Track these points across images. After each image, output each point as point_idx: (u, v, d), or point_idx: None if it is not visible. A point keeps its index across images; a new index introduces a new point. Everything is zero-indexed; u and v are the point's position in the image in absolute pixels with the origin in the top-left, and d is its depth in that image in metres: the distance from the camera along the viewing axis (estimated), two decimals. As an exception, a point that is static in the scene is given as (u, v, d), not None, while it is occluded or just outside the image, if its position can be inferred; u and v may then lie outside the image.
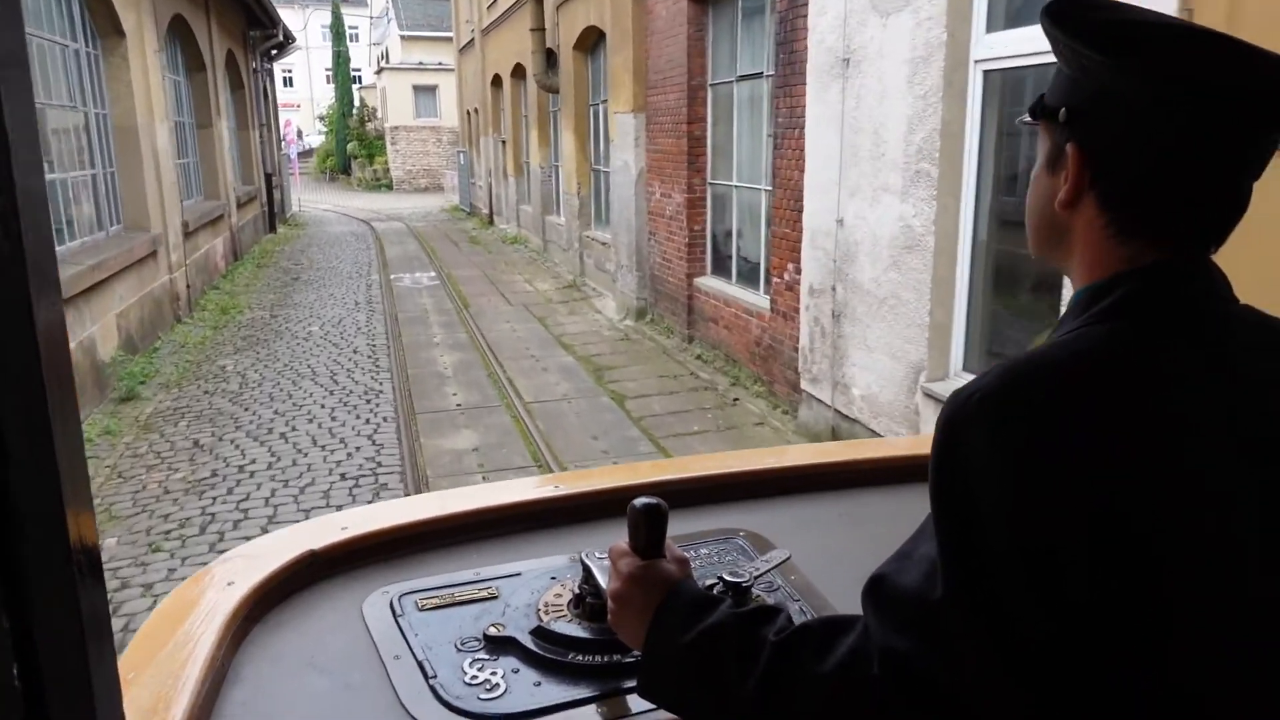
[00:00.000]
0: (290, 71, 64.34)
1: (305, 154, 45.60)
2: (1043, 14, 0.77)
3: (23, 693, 0.45)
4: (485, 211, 22.23)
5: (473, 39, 21.74)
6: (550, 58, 13.85)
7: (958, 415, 0.70)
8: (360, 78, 42.04)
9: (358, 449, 6.23)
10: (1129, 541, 0.66)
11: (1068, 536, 0.65)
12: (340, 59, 35.80)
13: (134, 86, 9.66)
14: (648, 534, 0.94)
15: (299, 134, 26.57)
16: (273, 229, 20.42)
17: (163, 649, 1.05)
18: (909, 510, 0.96)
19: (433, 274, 14.20)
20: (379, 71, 35.24)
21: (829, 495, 1.51)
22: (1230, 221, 0.76)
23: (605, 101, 12.04)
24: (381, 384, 7.94)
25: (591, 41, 12.32)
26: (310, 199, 30.51)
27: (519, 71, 17.44)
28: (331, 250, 17.54)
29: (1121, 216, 0.76)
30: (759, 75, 7.52)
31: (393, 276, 13.90)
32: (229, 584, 1.18)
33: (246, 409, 7.21)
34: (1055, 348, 0.73)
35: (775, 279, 6.95)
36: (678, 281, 9.08)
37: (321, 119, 38.65)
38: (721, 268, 8.68)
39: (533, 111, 15.91)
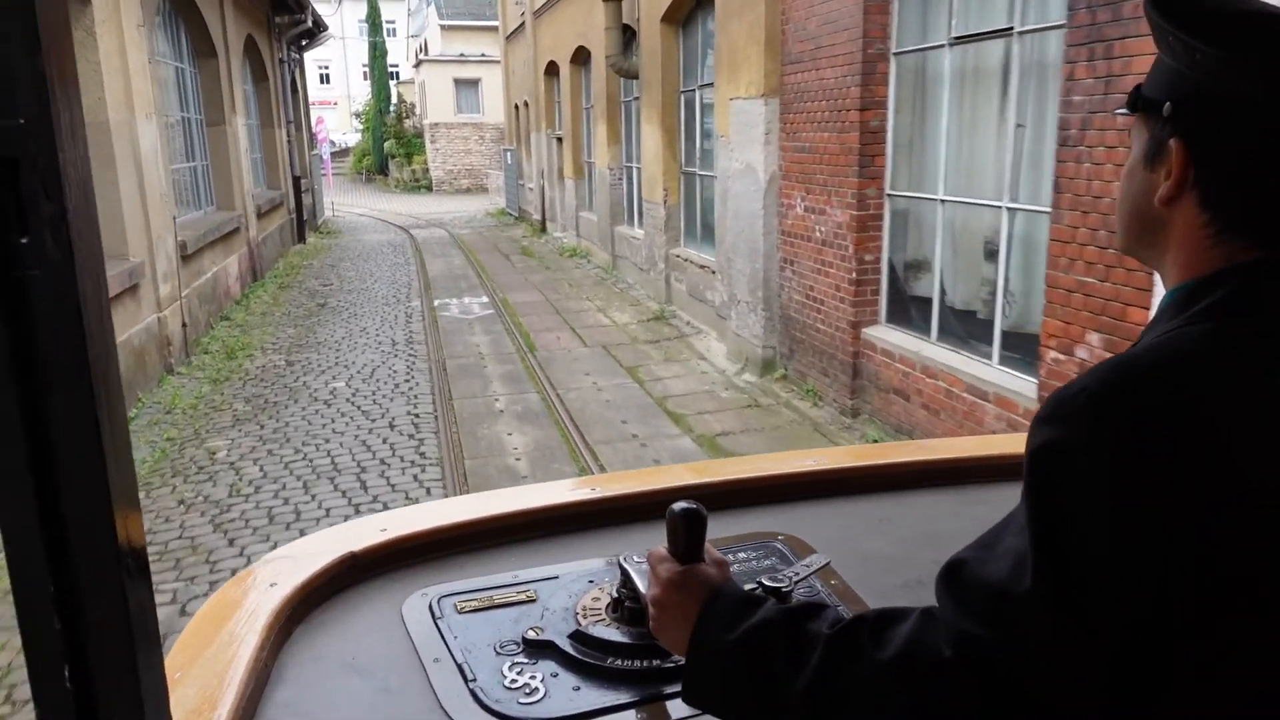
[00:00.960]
0: (327, 67, 62.81)
1: (340, 153, 43.69)
2: (1148, 3, 0.73)
3: (73, 693, 0.47)
4: (537, 217, 19.84)
5: (523, 23, 19.35)
6: (627, 35, 11.37)
7: (1061, 411, 0.68)
8: (398, 73, 39.95)
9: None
10: (1234, 555, 0.64)
11: (1172, 546, 0.63)
12: (376, 51, 33.65)
13: (104, 71, 7.35)
14: (687, 539, 0.93)
15: (327, 136, 24.26)
16: (301, 239, 18.24)
17: (208, 648, 1.06)
18: (949, 514, 1.22)
19: (484, 299, 11.81)
20: (417, 65, 33.02)
21: (867, 499, 1.48)
22: None
23: (705, 86, 9.52)
24: (428, 486, 5.53)
25: (686, 10, 9.81)
26: (345, 202, 28.40)
27: (581, 56, 14.99)
28: (366, 266, 15.24)
29: (1224, 215, 0.73)
30: (1005, 32, 4.96)
31: (437, 303, 11.53)
32: (271, 585, 1.18)
33: (232, 540, 4.84)
34: (1158, 348, 0.70)
35: (1052, 353, 4.39)
36: (833, 330, 6.55)
37: (357, 116, 36.59)
38: (906, 316, 6.14)
39: (599, 103, 13.44)
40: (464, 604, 1.19)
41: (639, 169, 12.22)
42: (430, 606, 1.19)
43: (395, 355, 8.89)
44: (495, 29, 32.19)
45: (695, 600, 0.87)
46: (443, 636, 1.13)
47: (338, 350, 9.11)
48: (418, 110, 34.26)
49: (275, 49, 17.38)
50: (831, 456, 1.62)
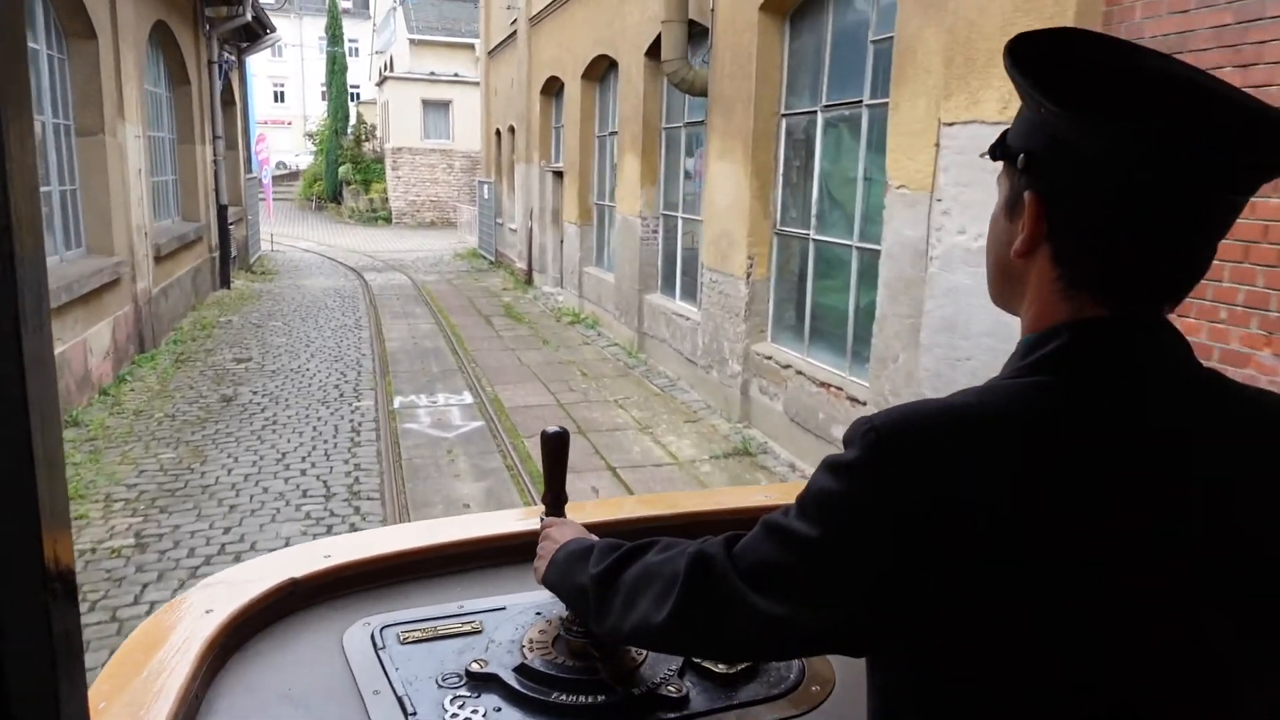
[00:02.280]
0: (282, 85, 59.05)
1: (289, 177, 39.76)
2: (1006, 51, 0.73)
3: None
4: (520, 265, 16.33)
5: (513, 34, 16.01)
6: (693, 35, 8.04)
7: (851, 434, 0.73)
8: (358, 94, 36.33)
9: None
10: (947, 591, 0.68)
11: (886, 562, 0.70)
12: (335, 65, 30.05)
13: None
14: (550, 463, 1.16)
15: (270, 156, 20.51)
16: (225, 283, 14.50)
17: (136, 677, 1.03)
18: None
19: (465, 398, 8.24)
20: (381, 82, 29.49)
21: None
22: (1187, 282, 0.74)
23: (835, 106, 6.18)
24: None
25: (803, -6, 6.51)
26: (288, 234, 24.59)
27: (599, 69, 11.66)
28: (301, 328, 11.55)
29: (1073, 271, 0.74)
30: None
31: (398, 403, 7.95)
32: (207, 611, 1.15)
33: None
34: (975, 394, 0.73)
35: None
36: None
37: (311, 137, 32.84)
38: None
39: (629, 128, 10.06)
40: (407, 634, 1.18)
41: (694, 222, 8.83)
42: (372, 636, 1.17)
43: (330, 521, 5.30)
44: (471, 46, 28.91)
45: (547, 553, 1.09)
46: (384, 668, 1.11)
47: (231, 509, 5.48)
48: (379, 133, 30.65)
49: (203, 46, 13.77)
50: (782, 491, 1.61)
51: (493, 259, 19.04)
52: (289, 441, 6.74)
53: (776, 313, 7.15)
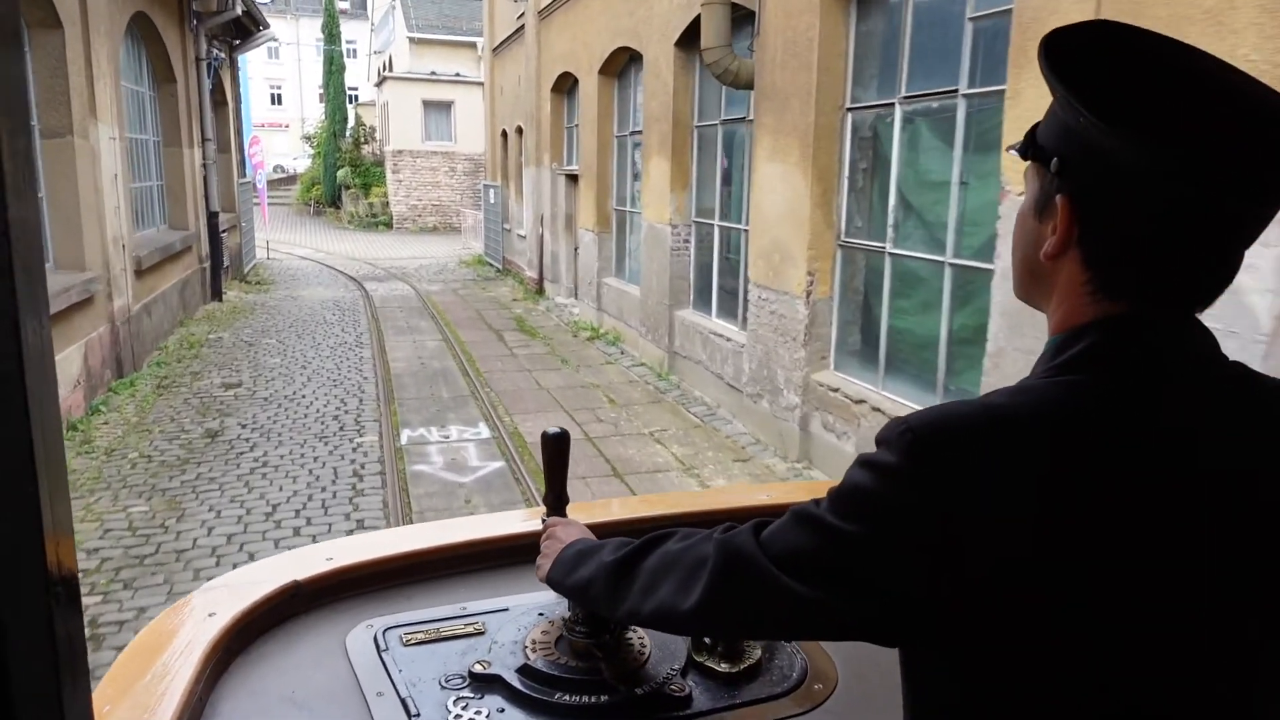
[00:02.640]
0: (279, 87, 58.13)
1: (286, 180, 38.84)
2: (1041, 49, 0.72)
3: None
4: (530, 274, 15.42)
5: (519, 29, 15.12)
6: (737, 17, 7.12)
7: (885, 435, 0.74)
8: (357, 96, 35.39)
9: None
10: (987, 587, 0.69)
11: (917, 563, 0.70)
12: (332, 65, 29.12)
13: None
14: (552, 461, 1.16)
15: (265, 159, 19.60)
16: (217, 295, 13.60)
17: (139, 681, 1.03)
18: None
19: (481, 431, 7.32)
20: (380, 83, 28.58)
21: None
22: (1216, 288, 0.74)
23: (915, 98, 5.28)
24: None
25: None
26: (285, 241, 23.69)
27: (617, 63, 10.75)
28: (298, 346, 10.64)
29: (1103, 275, 0.74)
30: None
31: (406, 438, 7.03)
32: (210, 615, 1.15)
33: None
34: (1005, 394, 0.74)
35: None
36: None
37: (308, 139, 31.93)
38: None
39: (658, 128, 9.15)
40: (410, 636, 1.18)
41: (736, 232, 7.92)
42: (375, 638, 1.17)
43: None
44: (473, 45, 28.02)
45: (552, 552, 1.09)
46: (387, 670, 1.11)
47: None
48: (379, 135, 29.74)
49: (189, 42, 12.87)
50: (785, 490, 1.61)
51: (500, 267, 18.12)
52: (280, 490, 5.82)
53: (840, 337, 6.23)
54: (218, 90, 16.83)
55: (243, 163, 18.13)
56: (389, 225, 27.26)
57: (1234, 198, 0.68)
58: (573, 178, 13.24)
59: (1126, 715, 0.70)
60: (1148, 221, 0.70)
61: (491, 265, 18.80)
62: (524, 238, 16.34)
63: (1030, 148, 0.78)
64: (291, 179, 37.76)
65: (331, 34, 28.97)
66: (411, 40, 27.06)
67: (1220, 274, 0.73)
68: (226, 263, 15.22)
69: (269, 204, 32.26)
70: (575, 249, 12.99)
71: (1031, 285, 0.82)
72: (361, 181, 28.34)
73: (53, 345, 0.49)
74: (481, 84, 27.30)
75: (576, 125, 12.96)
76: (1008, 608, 0.69)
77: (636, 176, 10.40)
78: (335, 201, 29.95)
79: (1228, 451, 0.71)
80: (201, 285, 13.18)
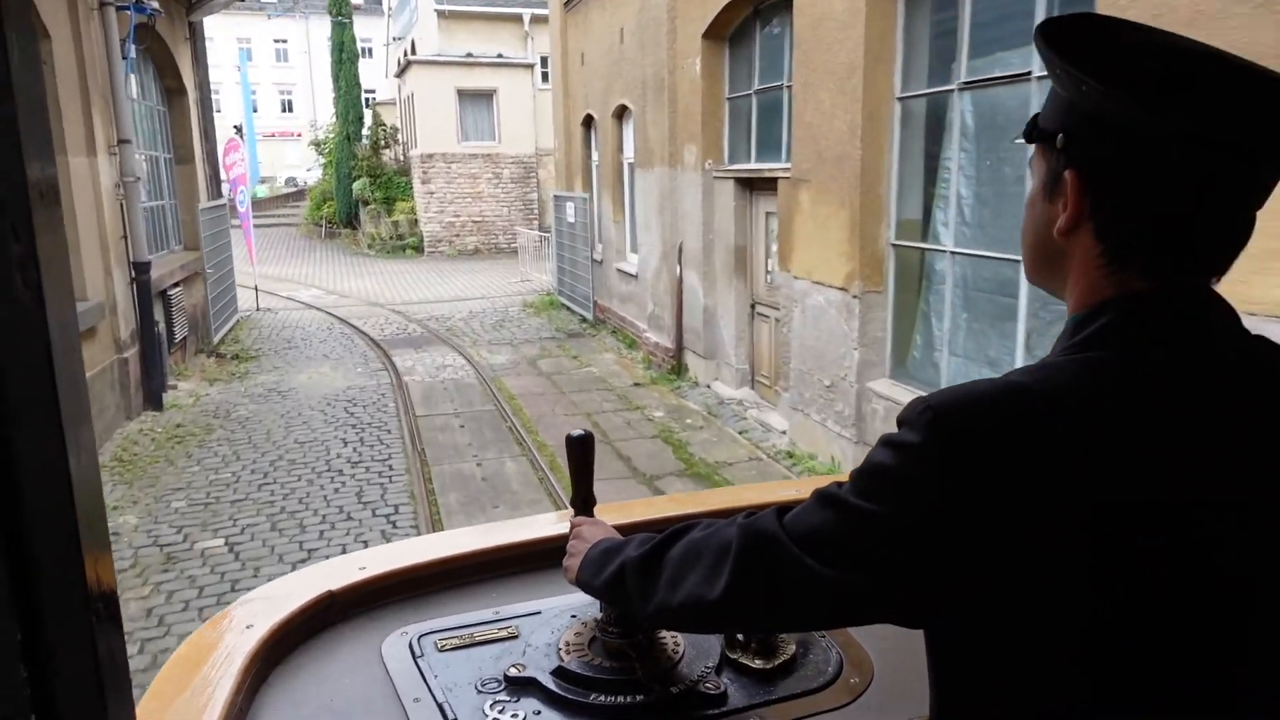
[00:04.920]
0: (289, 93, 53.08)
1: (293, 196, 33.50)
2: (1037, 34, 0.75)
3: None
4: (653, 338, 9.78)
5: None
6: None
7: (907, 415, 0.73)
8: (373, 98, 29.83)
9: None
10: (1010, 567, 0.69)
11: (947, 541, 0.70)
12: (343, 51, 23.51)
13: None
14: (578, 463, 1.16)
15: (246, 173, 13.96)
16: (152, 400, 8.07)
17: (181, 695, 1.04)
18: None
19: None
20: (402, 70, 23.00)
21: None
22: (1231, 253, 0.74)
23: None
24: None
25: None
26: (285, 278, 18.18)
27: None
28: (272, 540, 5.00)
29: (1116, 246, 0.74)
30: None
31: None
32: (248, 627, 1.17)
33: None
34: (1027, 373, 0.73)
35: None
36: None
37: (317, 146, 26.48)
38: None
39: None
40: (445, 642, 1.19)
41: None
42: (410, 645, 1.18)
43: None
44: (518, 18, 22.41)
45: (579, 551, 1.08)
46: (423, 676, 1.12)
47: None
48: (402, 137, 24.23)
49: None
50: (812, 485, 1.35)
51: (588, 315, 12.49)
52: None
53: None
54: (166, 71, 11.39)
55: (215, 179, 12.67)
56: (419, 249, 21.71)
57: (1240, 153, 0.68)
58: (752, 183, 7.59)
59: (1154, 696, 0.69)
60: (1156, 185, 0.70)
61: (572, 310, 13.18)
62: (634, 277, 10.69)
63: (1034, 131, 0.79)
64: (301, 194, 32.40)
65: (340, 9, 23.35)
66: (440, 15, 21.50)
67: (1232, 236, 0.72)
68: (182, 334, 9.74)
69: (266, 226, 26.52)
70: (776, 319, 7.30)
71: (1046, 267, 0.81)
72: (383, 195, 22.81)
73: (84, 366, 0.50)
74: (530, 66, 21.70)
75: (755, 93, 7.31)
76: (1029, 585, 0.68)
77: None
78: (351, 220, 24.45)
79: (1257, 424, 0.71)
80: (122, 389, 7.68)
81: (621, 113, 10.94)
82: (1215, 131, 0.67)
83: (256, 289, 14.13)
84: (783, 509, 0.81)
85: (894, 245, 5.71)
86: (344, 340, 11.68)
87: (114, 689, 0.50)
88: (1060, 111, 0.75)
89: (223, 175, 13.19)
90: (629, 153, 10.92)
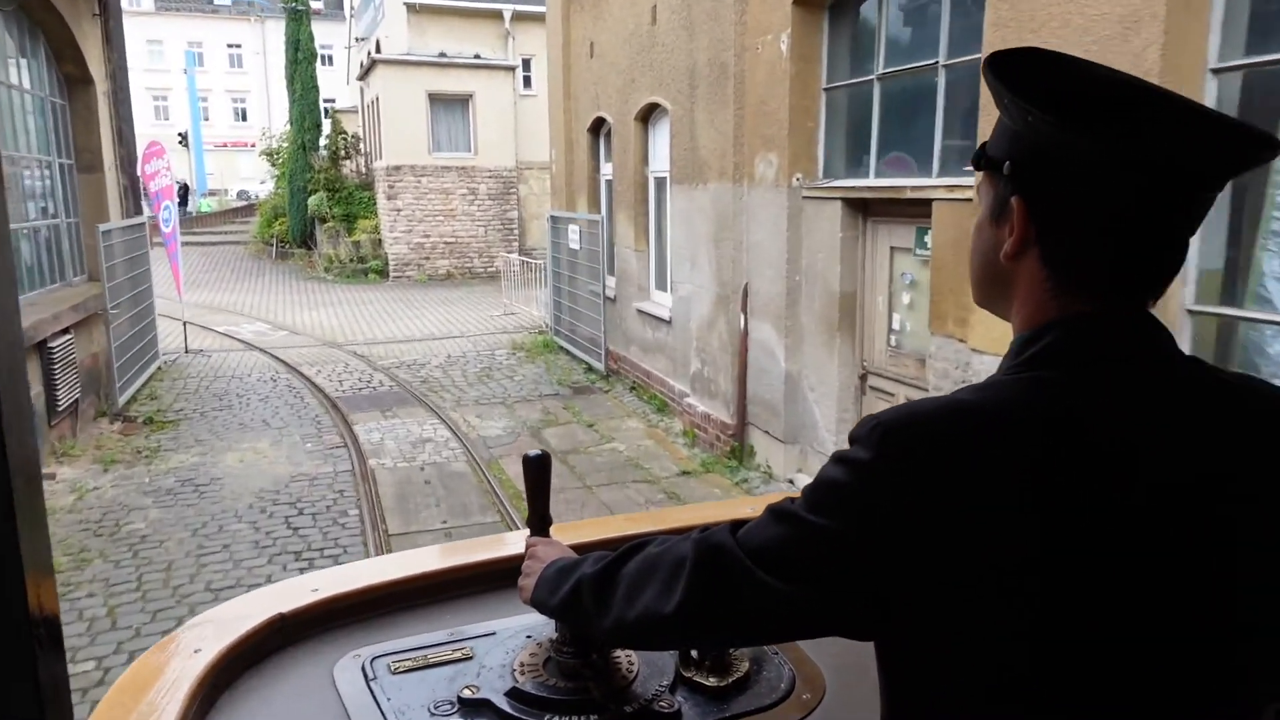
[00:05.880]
0: (243, 100, 50.11)
1: (242, 211, 30.71)
2: (985, 66, 0.77)
3: None
4: (700, 406, 7.49)
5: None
6: None
7: (858, 432, 0.75)
8: (332, 107, 27.08)
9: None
10: (948, 576, 0.70)
11: (888, 552, 0.71)
12: (298, 49, 20.89)
13: None
14: (533, 484, 1.16)
15: (173, 181, 11.38)
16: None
17: None
18: None
19: None
20: (366, 71, 20.40)
21: None
22: (1168, 276, 0.77)
23: None
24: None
25: None
26: (224, 308, 15.57)
27: None
28: None
29: (1061, 269, 0.77)
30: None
31: None
32: (196, 651, 1.14)
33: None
34: (973, 391, 0.75)
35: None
36: None
37: (270, 156, 23.77)
38: None
39: None
40: (398, 664, 1.17)
41: None
42: (363, 668, 1.16)
43: None
44: (498, 14, 20.10)
45: (534, 571, 1.07)
46: (375, 699, 1.10)
47: None
48: (365, 147, 21.72)
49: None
50: (768, 503, 1.40)
51: (596, 364, 10.16)
52: None
53: None
54: (63, 53, 8.89)
55: (133, 191, 10.16)
56: (383, 273, 19.16)
57: (1177, 180, 0.71)
58: (868, 206, 5.35)
59: (1104, 709, 0.70)
60: (1098, 211, 0.73)
61: (573, 356, 10.84)
62: (666, 323, 8.40)
63: (982, 159, 0.81)
64: (252, 208, 29.65)
65: (295, 10, 20.77)
66: (410, 8, 19.04)
67: (1169, 261, 0.76)
68: (71, 398, 7.28)
69: (210, 244, 23.43)
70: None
71: (992, 290, 0.84)
72: (342, 212, 20.25)
73: (29, 384, 0.50)
74: (511, 68, 19.35)
75: (880, 78, 5.11)
76: (976, 598, 0.69)
77: None
78: (306, 240, 21.83)
79: (1182, 447, 0.72)
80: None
81: (649, 114, 8.69)
82: (1154, 159, 0.70)
83: (185, 325, 11.58)
84: (737, 524, 0.82)
85: (1192, 311, 3.50)
86: (291, 398, 9.21)
87: (56, 716, 0.49)
88: (1007, 140, 0.78)
89: (143, 187, 10.68)
90: (659, 164, 8.66)
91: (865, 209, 5.57)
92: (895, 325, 5.44)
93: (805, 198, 5.97)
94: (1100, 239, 0.74)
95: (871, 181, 5.45)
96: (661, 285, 8.98)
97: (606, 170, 10.37)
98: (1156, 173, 0.70)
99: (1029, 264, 0.77)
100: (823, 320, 5.91)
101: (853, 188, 5.58)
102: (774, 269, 6.26)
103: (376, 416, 8.36)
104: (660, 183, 8.73)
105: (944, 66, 4.80)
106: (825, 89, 5.93)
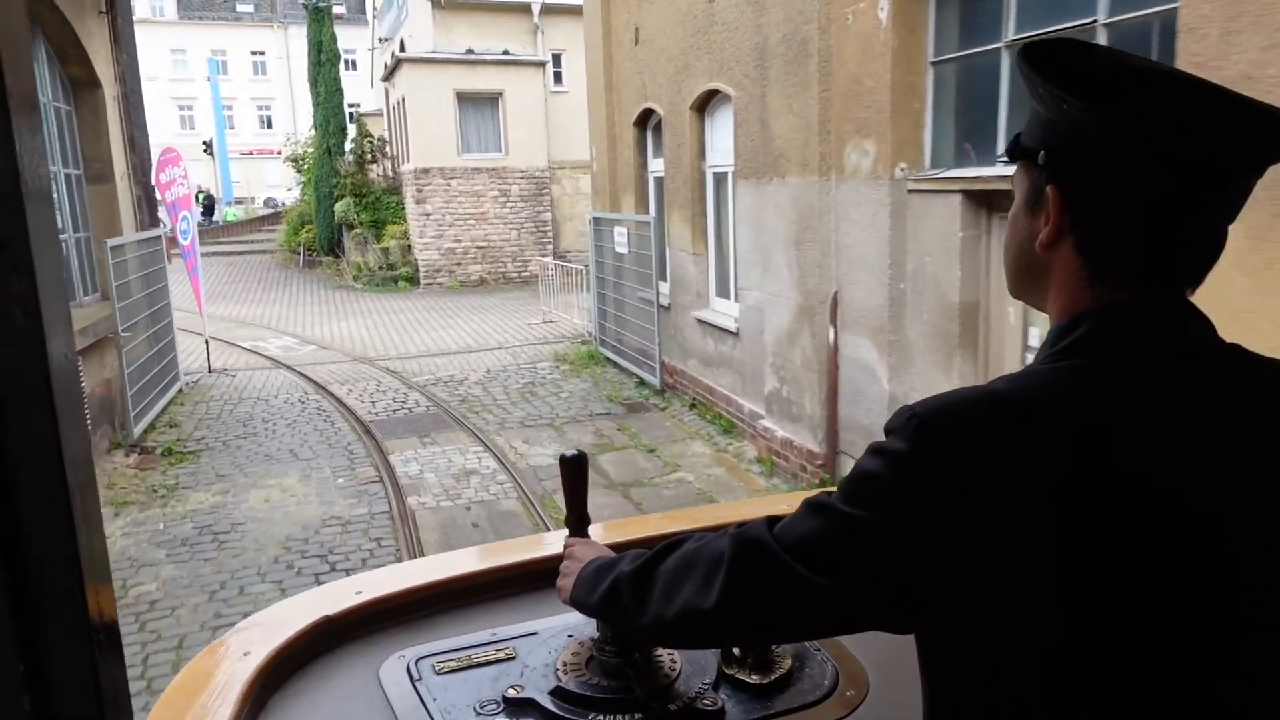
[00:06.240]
0: (268, 107, 49.84)
1: (268, 219, 30.25)
2: (1019, 56, 0.76)
3: None
4: (767, 425, 6.64)
5: None
6: None
7: (894, 424, 0.74)
8: (356, 111, 26.46)
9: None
10: (990, 566, 0.70)
11: (928, 544, 0.70)
12: (321, 52, 20.28)
13: None
14: (571, 484, 1.15)
15: (190, 191, 10.65)
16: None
17: None
18: None
19: None
20: (391, 72, 19.70)
21: None
22: (1206, 265, 0.75)
23: None
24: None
25: None
26: (252, 318, 14.94)
27: None
28: None
29: (1096, 258, 0.76)
30: None
31: None
32: (245, 654, 1.16)
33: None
34: (1009, 381, 0.75)
35: None
36: None
37: (295, 162, 23.21)
38: None
39: None
40: (442, 664, 1.17)
41: None
42: (408, 669, 1.17)
43: None
44: (526, 9, 19.35)
45: (573, 571, 1.06)
46: (421, 699, 1.10)
47: None
48: (391, 149, 21.06)
49: None
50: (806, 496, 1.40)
51: (649, 378, 9.32)
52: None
53: None
54: (67, 54, 8.20)
55: (148, 202, 9.49)
56: (413, 281, 18.48)
57: (1213, 168, 0.70)
58: (992, 200, 4.44)
59: (1142, 702, 0.69)
60: (1134, 200, 0.72)
61: (621, 369, 10.01)
62: (733, 335, 7.54)
63: (1017, 149, 0.80)
64: (278, 216, 29.18)
65: (316, 11, 20.12)
66: (435, 4, 18.34)
67: (1207, 248, 0.74)
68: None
69: (237, 254, 22.85)
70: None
71: (1028, 280, 0.83)
72: (370, 218, 19.59)
73: (83, 398, 0.63)
74: (541, 64, 18.54)
75: (1007, 45, 4.18)
76: (1016, 588, 0.69)
77: None
78: (334, 247, 21.20)
79: (1234, 431, 0.72)
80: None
81: (706, 102, 7.84)
82: (1190, 148, 0.69)
83: (208, 342, 10.91)
84: (774, 519, 0.81)
85: None
86: (321, 422, 8.47)
87: (116, 719, 0.50)
88: (1042, 130, 0.77)
89: (158, 197, 10.01)
90: (719, 158, 7.81)
91: (990, 203, 4.69)
92: (1033, 340, 4.55)
93: (911, 191, 5.09)
94: (1135, 227, 0.73)
95: (1000, 170, 4.56)
96: (724, 292, 8.12)
97: (656, 167, 9.53)
98: (1191, 163, 0.70)
99: (1064, 253, 0.77)
100: (937, 334, 5.02)
101: (976, 178, 4.69)
102: (872, 275, 5.38)
103: (414, 443, 7.59)
104: (720, 178, 7.88)
105: (1104, 25, 3.91)
106: (932, 63, 5.05)
